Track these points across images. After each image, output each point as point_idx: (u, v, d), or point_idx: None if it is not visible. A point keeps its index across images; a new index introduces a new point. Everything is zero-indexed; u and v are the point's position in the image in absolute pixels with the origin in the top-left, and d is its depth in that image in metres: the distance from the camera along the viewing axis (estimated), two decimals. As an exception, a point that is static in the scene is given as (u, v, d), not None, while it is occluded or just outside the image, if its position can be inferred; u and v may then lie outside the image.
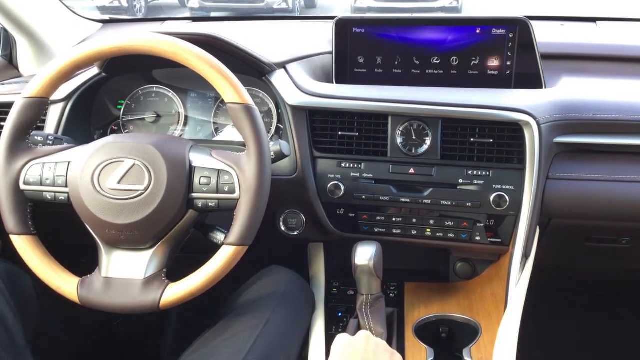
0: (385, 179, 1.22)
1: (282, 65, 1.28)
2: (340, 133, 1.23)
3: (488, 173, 1.18)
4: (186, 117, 1.36)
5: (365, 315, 1.11)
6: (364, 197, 1.23)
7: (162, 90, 1.37)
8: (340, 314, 1.27)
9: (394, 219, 1.24)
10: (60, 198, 1.01)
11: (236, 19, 2.38)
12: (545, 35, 1.34)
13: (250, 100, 0.99)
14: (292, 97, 1.22)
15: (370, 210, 1.25)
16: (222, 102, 1.33)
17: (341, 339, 0.91)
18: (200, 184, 0.99)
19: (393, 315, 1.24)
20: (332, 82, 1.35)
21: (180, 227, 1.00)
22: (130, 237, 0.98)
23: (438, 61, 1.32)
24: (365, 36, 1.32)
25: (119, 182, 0.97)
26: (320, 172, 1.24)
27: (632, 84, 1.35)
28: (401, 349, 1.15)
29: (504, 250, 1.23)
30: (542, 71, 1.27)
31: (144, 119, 1.36)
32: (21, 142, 1.02)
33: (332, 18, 1.35)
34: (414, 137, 1.20)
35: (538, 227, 1.20)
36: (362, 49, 1.33)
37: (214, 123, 1.35)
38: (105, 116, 1.36)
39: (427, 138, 1.20)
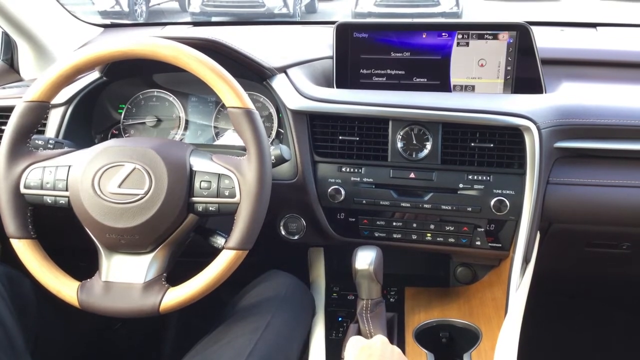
0: (386, 184, 1.22)
1: (283, 69, 1.28)
2: (340, 137, 1.23)
3: (488, 178, 1.18)
4: (187, 122, 1.36)
5: (365, 320, 1.11)
6: (364, 201, 1.23)
7: (163, 94, 1.37)
8: (340, 319, 1.27)
9: (394, 224, 1.24)
10: (60, 202, 1.01)
11: (237, 23, 2.39)
12: (545, 41, 1.34)
13: (251, 105, 0.99)
14: (293, 101, 1.22)
15: (370, 214, 1.25)
16: (223, 106, 1.33)
17: (356, 342, 0.90)
18: (200, 188, 0.99)
19: (393, 320, 1.24)
20: (333, 87, 1.35)
21: (181, 231, 1.00)
22: (131, 241, 0.98)
23: (439, 65, 1.32)
24: (365, 41, 1.33)
25: (119, 186, 0.97)
26: (320, 177, 1.24)
27: (632, 89, 1.35)
28: (401, 354, 1.15)
29: (505, 255, 1.23)
30: (543, 76, 1.28)
31: (144, 123, 1.36)
32: (22, 145, 1.02)
33: (332, 23, 1.35)
34: (414, 142, 1.20)
35: (538, 232, 1.20)
36: (362, 54, 1.34)
37: (215, 127, 1.36)
38: (106, 120, 1.37)
39: (427, 143, 1.20)
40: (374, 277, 1.08)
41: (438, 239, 1.24)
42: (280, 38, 1.73)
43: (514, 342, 1.11)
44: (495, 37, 1.28)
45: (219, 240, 1.05)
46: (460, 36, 1.29)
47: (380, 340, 0.90)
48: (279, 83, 1.25)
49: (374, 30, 1.32)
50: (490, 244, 1.22)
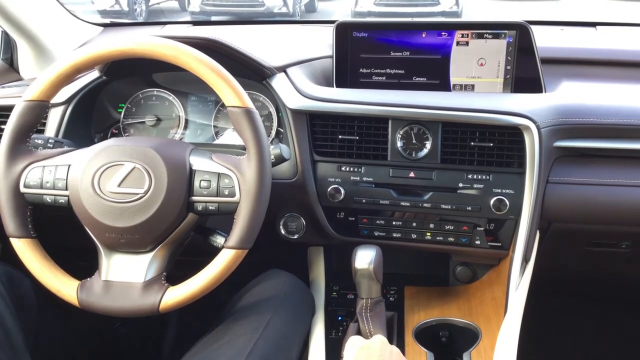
0: (386, 183, 1.22)
1: (283, 69, 1.28)
2: (340, 137, 1.23)
3: (488, 177, 1.18)
4: (186, 121, 1.36)
5: (365, 319, 1.11)
6: (364, 200, 1.23)
7: (163, 93, 1.37)
8: (340, 318, 1.27)
9: (394, 223, 1.24)
10: (60, 201, 1.01)
11: (237, 22, 2.39)
12: (545, 40, 1.34)
13: (250, 104, 0.99)
14: (293, 100, 1.22)
15: (370, 214, 1.25)
16: (223, 105, 1.33)
17: (355, 342, 0.90)
18: (200, 187, 0.99)
19: (393, 319, 1.24)
20: (333, 86, 1.35)
21: (180, 230, 1.00)
22: (130, 241, 0.98)
23: (438, 65, 1.32)
24: (365, 40, 1.33)
25: (119, 186, 0.97)
26: (320, 176, 1.24)
27: (632, 88, 1.35)
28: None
29: (504, 254, 1.23)
30: (542, 75, 1.28)
31: (144, 122, 1.36)
32: (21, 145, 1.02)
33: (332, 22, 1.35)
34: (414, 141, 1.20)
35: (538, 232, 1.21)
36: (362, 53, 1.34)
37: (214, 126, 1.36)
38: (105, 119, 1.37)
39: (427, 142, 1.20)
40: (374, 276, 1.08)
41: (438, 238, 1.24)
42: (280, 37, 1.73)
43: (513, 341, 1.11)
44: (495, 36, 1.28)
45: (219, 240, 1.05)
46: (459, 35, 1.29)
47: (379, 340, 0.91)
48: (278, 82, 1.25)
49: (373, 29, 1.32)
50: (490, 243, 1.22)
